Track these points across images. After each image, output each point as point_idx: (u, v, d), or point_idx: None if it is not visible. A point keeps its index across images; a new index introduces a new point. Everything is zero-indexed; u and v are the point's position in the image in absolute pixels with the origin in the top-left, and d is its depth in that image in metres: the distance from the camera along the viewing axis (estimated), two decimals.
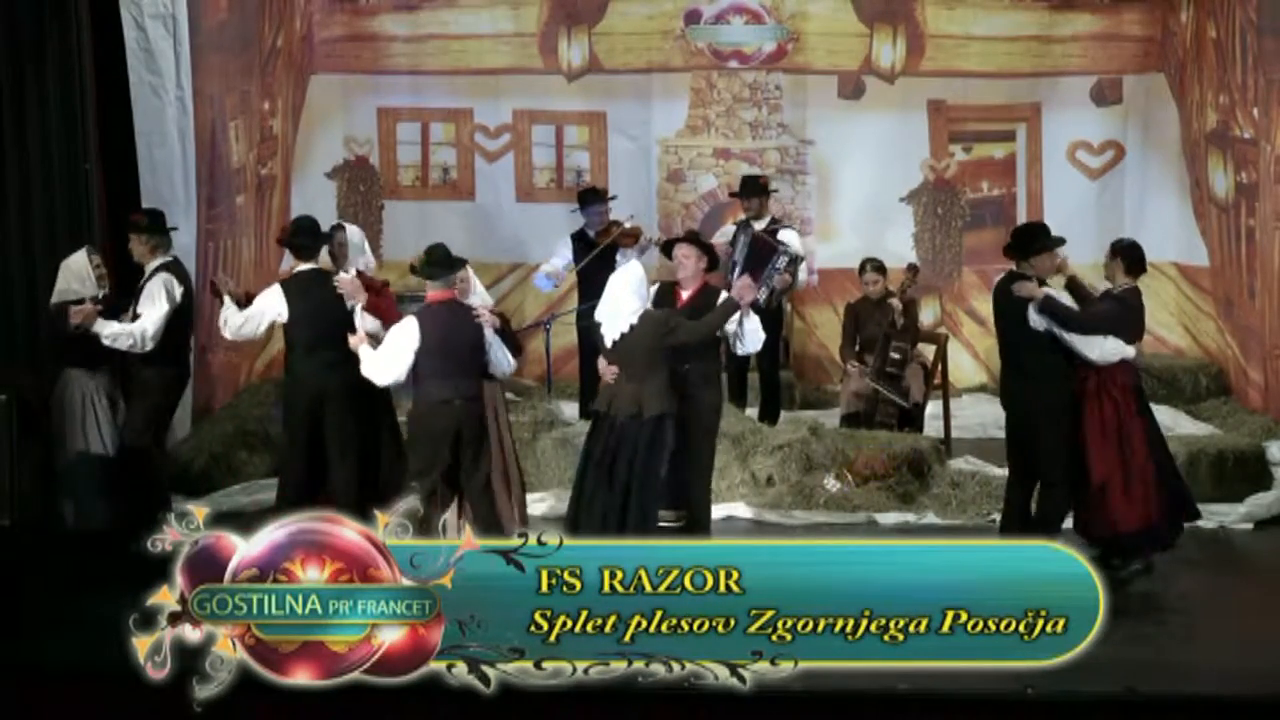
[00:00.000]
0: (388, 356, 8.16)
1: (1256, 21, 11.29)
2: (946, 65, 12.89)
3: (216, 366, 11.38)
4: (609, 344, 8.36)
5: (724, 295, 8.56)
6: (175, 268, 9.05)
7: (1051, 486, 8.59)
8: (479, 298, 8.80)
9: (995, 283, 8.79)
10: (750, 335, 8.62)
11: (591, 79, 13.00)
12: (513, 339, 8.59)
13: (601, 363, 8.44)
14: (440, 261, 8.27)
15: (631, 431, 8.27)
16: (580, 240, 11.21)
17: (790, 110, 12.97)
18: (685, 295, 8.71)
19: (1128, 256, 8.68)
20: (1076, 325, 8.44)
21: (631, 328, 8.30)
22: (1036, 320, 8.41)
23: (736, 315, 8.49)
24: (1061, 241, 8.68)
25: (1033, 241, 8.63)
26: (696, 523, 8.69)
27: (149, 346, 8.80)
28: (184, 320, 9.07)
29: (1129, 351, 8.52)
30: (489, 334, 8.26)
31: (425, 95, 13.17)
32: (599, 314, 8.46)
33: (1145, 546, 8.60)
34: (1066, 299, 8.59)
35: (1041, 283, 8.51)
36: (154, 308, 8.81)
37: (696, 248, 8.75)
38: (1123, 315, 8.55)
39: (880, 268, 11.17)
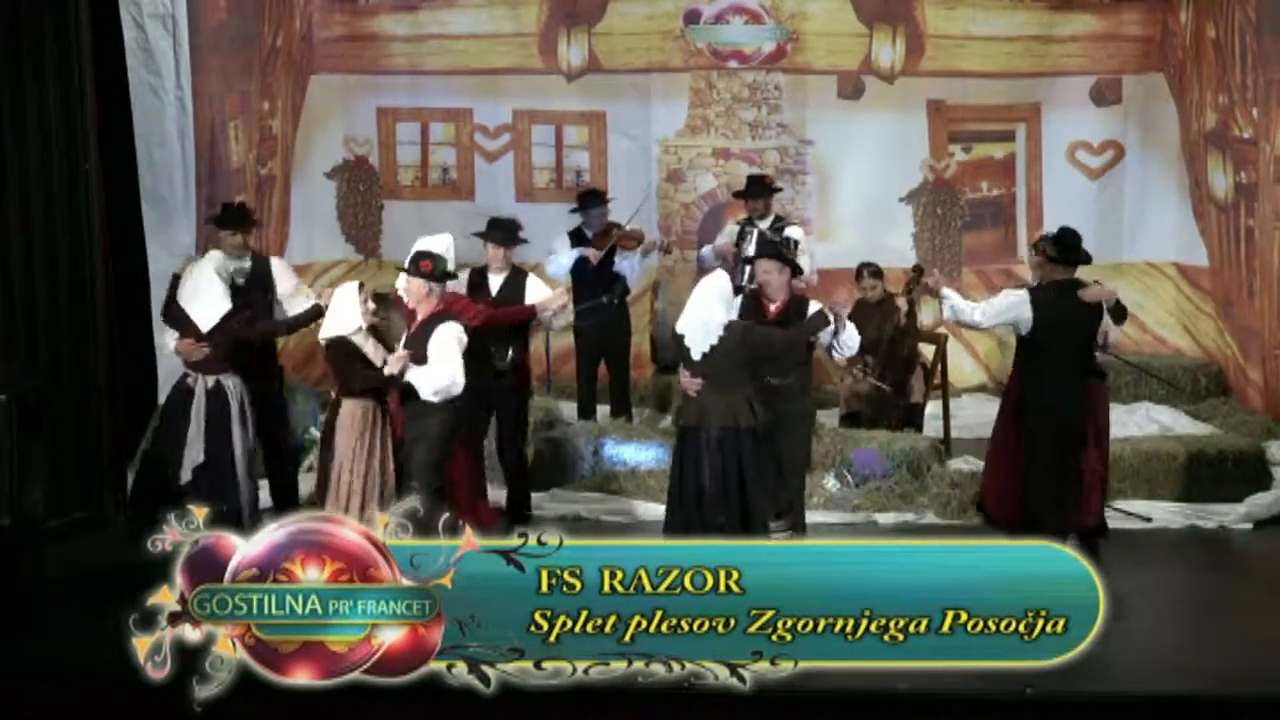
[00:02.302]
0: (459, 366, 8.20)
1: (1255, 21, 11.29)
2: (946, 65, 12.89)
3: None
4: (697, 357, 8.20)
5: (815, 306, 8.50)
6: None
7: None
8: None
9: (1042, 292, 8.66)
10: (848, 341, 8.57)
11: (591, 79, 13.00)
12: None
13: (684, 375, 8.29)
14: (446, 268, 8.44)
15: (730, 444, 8.18)
16: (578, 239, 11.19)
17: (790, 110, 12.97)
18: (773, 307, 8.60)
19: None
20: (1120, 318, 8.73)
21: (720, 339, 8.20)
22: (1108, 320, 8.62)
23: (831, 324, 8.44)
24: None
25: (1082, 250, 8.72)
26: (795, 527, 8.70)
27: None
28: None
29: None
30: None
31: (425, 95, 13.17)
32: (681, 325, 8.30)
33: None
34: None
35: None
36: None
37: (777, 261, 8.62)
38: None
39: (877, 272, 11.17)
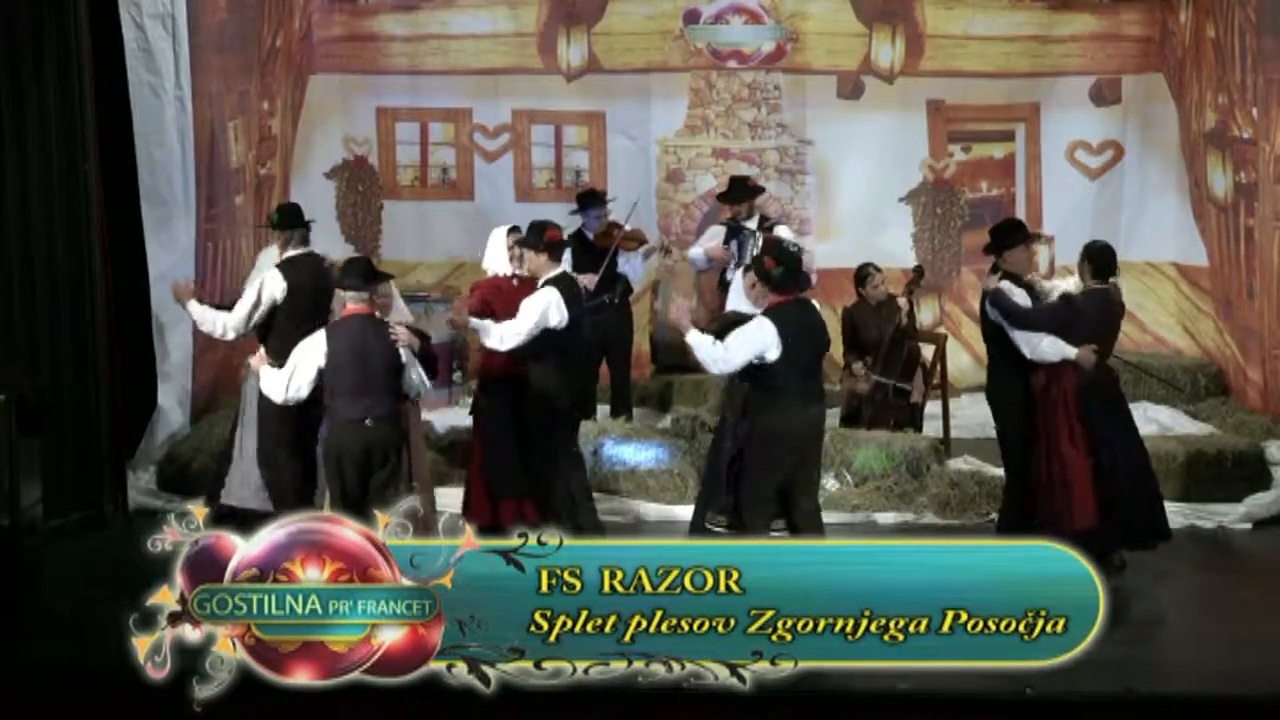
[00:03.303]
0: (288, 372, 7.97)
1: (1255, 21, 11.29)
2: (945, 65, 12.90)
3: (216, 366, 11.38)
4: None
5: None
6: (288, 266, 8.97)
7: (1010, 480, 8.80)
8: (399, 314, 8.69)
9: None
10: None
11: (591, 79, 13.00)
12: (430, 360, 8.29)
13: None
14: (358, 273, 8.04)
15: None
16: (579, 241, 11.19)
17: (789, 110, 12.97)
18: None
19: (1094, 260, 8.70)
20: (1019, 320, 8.54)
21: None
22: (990, 312, 8.59)
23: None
24: (1036, 237, 8.88)
25: (1004, 236, 8.79)
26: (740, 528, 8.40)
27: (229, 337, 8.93)
28: (296, 320, 8.91)
29: (1069, 352, 8.50)
30: (404, 353, 8.00)
31: (424, 95, 13.17)
32: None
33: (1093, 548, 8.54)
34: (1021, 296, 8.67)
35: (1014, 278, 8.66)
36: (242, 301, 8.84)
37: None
38: (1066, 316, 8.56)
39: (878, 269, 11.17)
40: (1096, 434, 8.58)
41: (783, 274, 8.03)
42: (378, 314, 8.12)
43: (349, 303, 8.01)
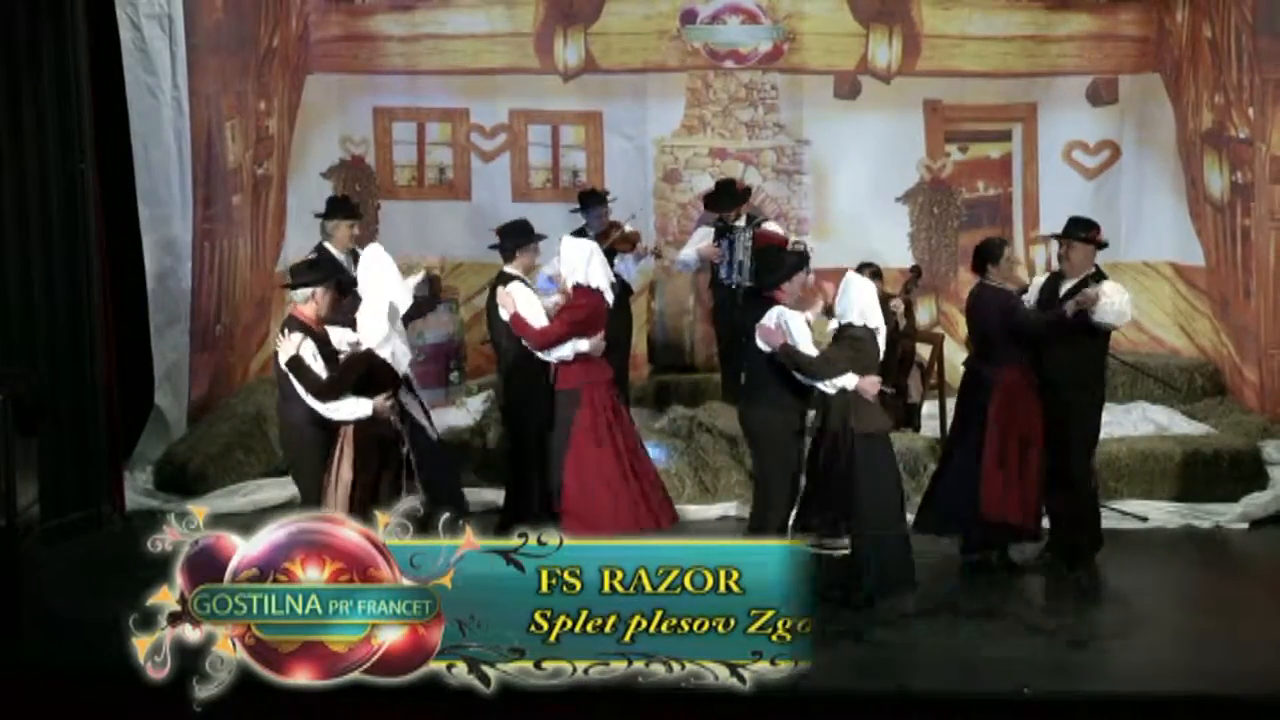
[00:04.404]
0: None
1: (1252, 21, 11.30)
2: (942, 65, 12.89)
3: (213, 366, 11.38)
4: None
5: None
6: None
7: None
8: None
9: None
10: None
11: (588, 79, 12.99)
12: (308, 374, 7.79)
13: None
14: (298, 273, 8.12)
15: None
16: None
17: (786, 110, 12.96)
18: None
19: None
20: None
21: None
22: None
23: None
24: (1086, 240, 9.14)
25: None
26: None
27: None
28: None
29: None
30: (280, 358, 7.83)
31: (421, 95, 13.14)
32: None
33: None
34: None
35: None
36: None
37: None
38: None
39: (877, 273, 11.15)
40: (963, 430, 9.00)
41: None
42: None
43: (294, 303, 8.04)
